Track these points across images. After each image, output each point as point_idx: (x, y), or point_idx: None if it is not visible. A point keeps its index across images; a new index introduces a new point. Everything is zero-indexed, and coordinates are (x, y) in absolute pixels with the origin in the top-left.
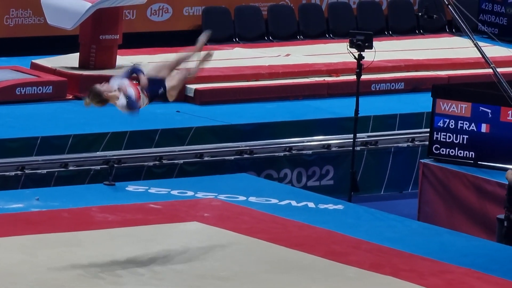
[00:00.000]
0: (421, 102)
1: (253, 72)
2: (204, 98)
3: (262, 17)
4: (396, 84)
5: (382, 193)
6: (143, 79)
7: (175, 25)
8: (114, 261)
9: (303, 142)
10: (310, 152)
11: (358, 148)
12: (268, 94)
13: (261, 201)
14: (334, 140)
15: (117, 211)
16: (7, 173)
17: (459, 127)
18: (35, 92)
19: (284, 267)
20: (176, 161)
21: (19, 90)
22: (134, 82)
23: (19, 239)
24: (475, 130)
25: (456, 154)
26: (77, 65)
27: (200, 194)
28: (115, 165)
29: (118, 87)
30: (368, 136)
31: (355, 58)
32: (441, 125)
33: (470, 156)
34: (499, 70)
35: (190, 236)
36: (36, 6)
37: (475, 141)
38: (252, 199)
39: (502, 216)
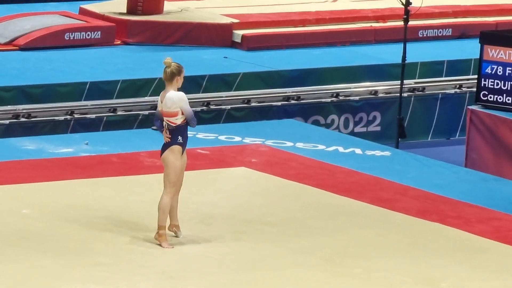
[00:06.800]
0: (469, 49)
1: (300, 17)
2: (251, 44)
3: None
4: (444, 30)
5: (429, 139)
6: None
7: None
8: None
9: (350, 88)
10: (357, 98)
11: (405, 95)
12: (315, 40)
13: (308, 147)
14: (381, 86)
15: None
16: (57, 118)
17: (507, 74)
18: (84, 37)
19: (331, 213)
20: (223, 107)
21: (68, 35)
22: None
23: (69, 183)
24: None
25: (503, 100)
26: (125, 11)
27: (247, 140)
28: None
29: None
30: (416, 83)
31: (402, 4)
32: (489, 71)
33: None
34: None
35: (238, 182)
36: None
37: None
38: (299, 145)
39: None
